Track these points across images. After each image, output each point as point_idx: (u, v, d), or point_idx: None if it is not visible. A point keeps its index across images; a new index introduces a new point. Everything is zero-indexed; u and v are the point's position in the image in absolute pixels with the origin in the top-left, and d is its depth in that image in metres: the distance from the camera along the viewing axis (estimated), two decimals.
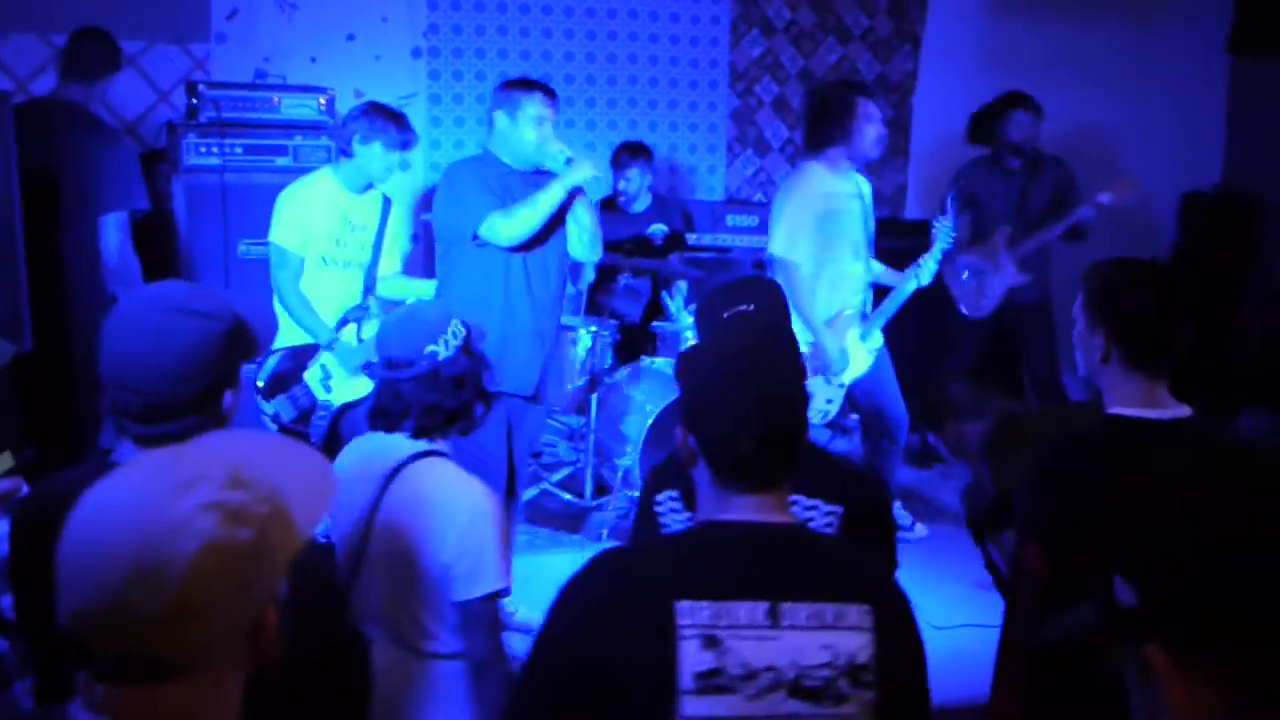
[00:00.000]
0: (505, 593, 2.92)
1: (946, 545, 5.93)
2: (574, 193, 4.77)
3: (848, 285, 5.59)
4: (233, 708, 1.47)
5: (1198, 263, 7.52)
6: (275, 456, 1.62)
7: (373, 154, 5.11)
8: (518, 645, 4.92)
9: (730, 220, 7.72)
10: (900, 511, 5.94)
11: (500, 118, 4.81)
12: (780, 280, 5.14)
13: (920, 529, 6.13)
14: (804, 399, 2.21)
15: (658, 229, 7.01)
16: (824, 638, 2.02)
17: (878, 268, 5.77)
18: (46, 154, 5.22)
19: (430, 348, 3.12)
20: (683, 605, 2.00)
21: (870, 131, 5.50)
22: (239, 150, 5.46)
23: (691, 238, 7.40)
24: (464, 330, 3.20)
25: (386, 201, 5.38)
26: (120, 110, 6.53)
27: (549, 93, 4.85)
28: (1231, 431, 4.17)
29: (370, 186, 5.27)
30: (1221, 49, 7.65)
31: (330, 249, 5.18)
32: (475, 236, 4.70)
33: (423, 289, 5.43)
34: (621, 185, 6.96)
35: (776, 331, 2.40)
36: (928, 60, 8.32)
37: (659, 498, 2.96)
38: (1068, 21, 7.92)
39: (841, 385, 5.56)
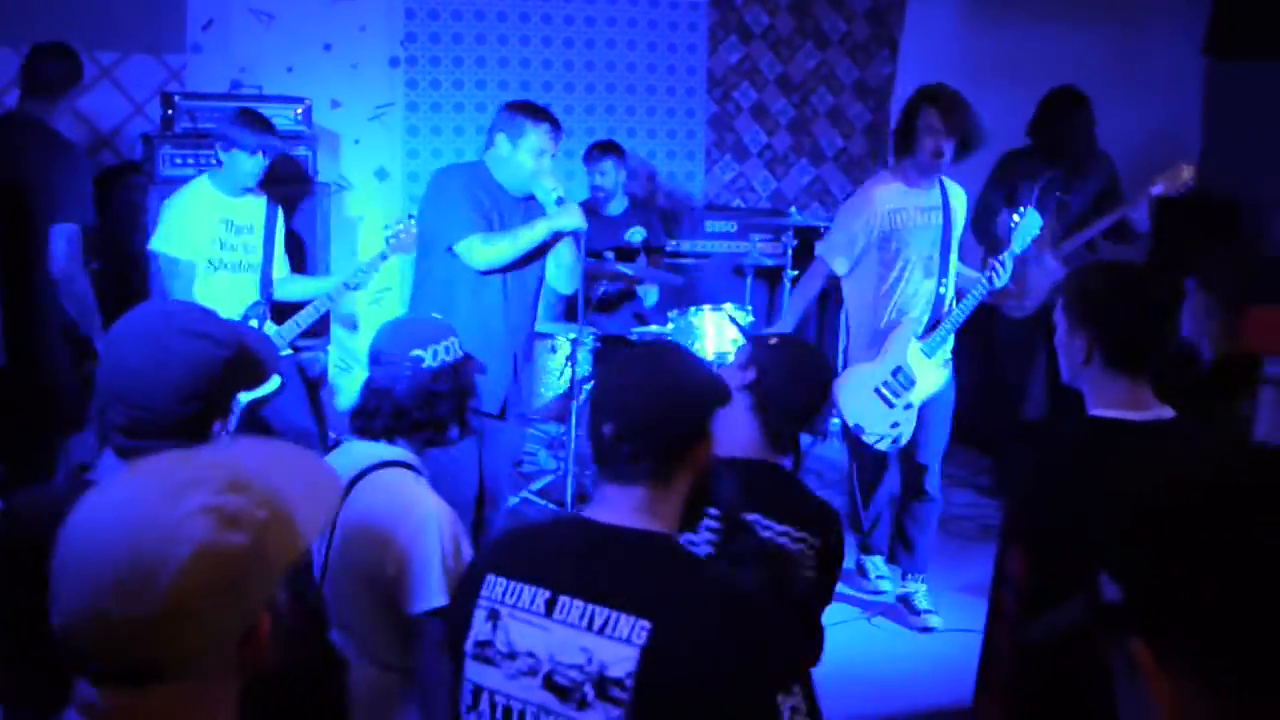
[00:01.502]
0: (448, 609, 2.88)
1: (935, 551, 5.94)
2: (557, 236, 4.76)
3: (917, 305, 5.19)
4: (227, 715, 1.47)
5: (1173, 265, 7.54)
6: (279, 462, 1.62)
7: (236, 161, 5.35)
8: None
9: (709, 226, 7.71)
10: (922, 594, 5.45)
11: (502, 140, 4.80)
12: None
13: (935, 620, 5.34)
14: (685, 414, 2.17)
15: (635, 233, 7.01)
16: (586, 640, 2.01)
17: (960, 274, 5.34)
18: (10, 169, 5.18)
19: (416, 352, 3.13)
20: (490, 578, 2.15)
21: (928, 144, 5.04)
22: (215, 161, 5.45)
23: (671, 244, 7.40)
24: (460, 353, 3.20)
25: (271, 204, 5.54)
26: (95, 121, 6.50)
27: (556, 125, 4.84)
28: (1209, 431, 4.17)
29: (248, 190, 5.46)
30: (1198, 51, 7.68)
31: (215, 252, 5.37)
32: (449, 249, 4.69)
33: (322, 285, 5.53)
34: (598, 180, 6.95)
35: (676, 352, 2.38)
36: (906, 65, 8.32)
37: None
38: (1044, 25, 7.94)
39: (909, 406, 5.13)
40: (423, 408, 3.11)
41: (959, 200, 5.29)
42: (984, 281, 5.08)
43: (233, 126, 5.38)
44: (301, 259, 6.06)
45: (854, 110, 8.31)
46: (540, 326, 5.72)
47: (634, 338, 6.62)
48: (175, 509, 1.37)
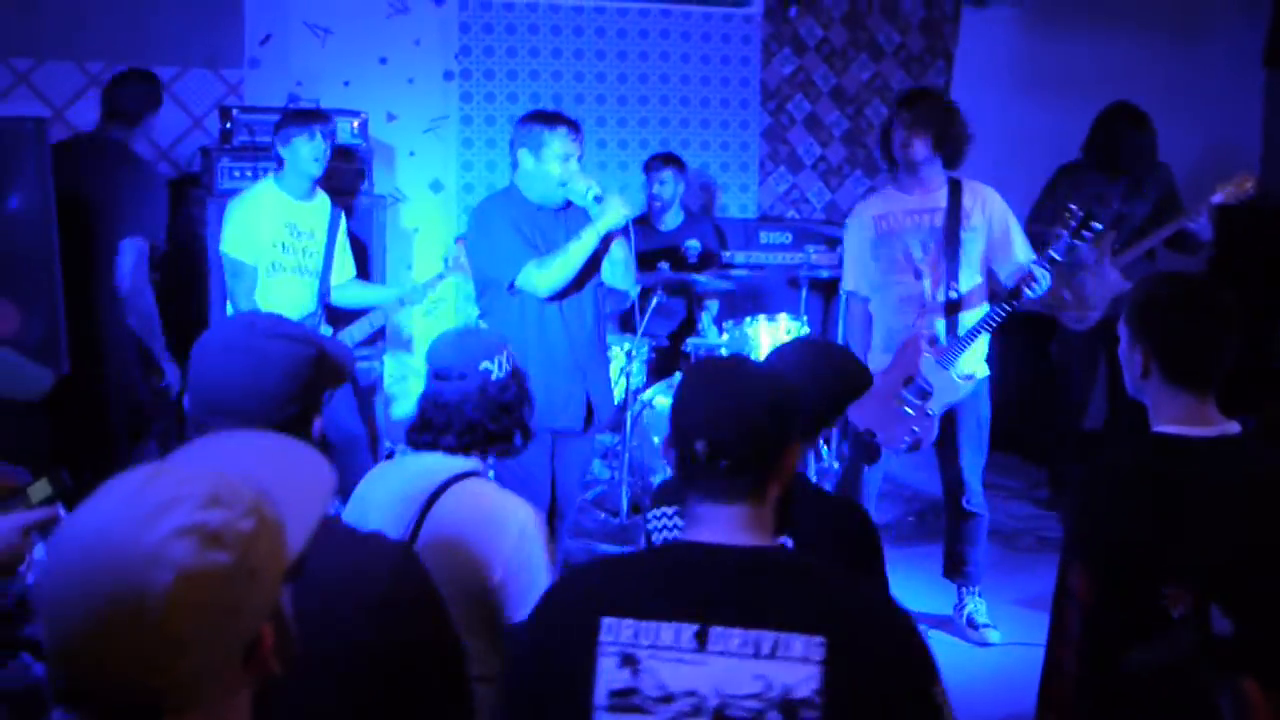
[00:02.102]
0: None
1: (990, 562, 5.89)
2: (608, 237, 4.67)
3: (912, 306, 5.15)
4: None
5: (1235, 275, 7.45)
6: (266, 457, 1.57)
7: (297, 151, 5.36)
8: None
9: (763, 238, 7.70)
10: (977, 606, 5.37)
11: (524, 156, 4.72)
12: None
13: (994, 634, 5.27)
14: (776, 422, 2.13)
15: (692, 245, 7.01)
16: (758, 667, 1.95)
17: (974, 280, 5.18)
18: (84, 184, 5.28)
19: (485, 364, 3.12)
20: (608, 621, 2.00)
21: (898, 141, 5.09)
22: (276, 166, 5.51)
23: (725, 255, 7.39)
24: (514, 362, 3.20)
25: (335, 209, 5.57)
26: (155, 136, 6.57)
27: (573, 126, 4.71)
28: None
29: (314, 190, 5.48)
30: (1258, 62, 7.60)
31: (278, 255, 5.39)
32: (511, 285, 4.67)
33: (380, 294, 5.55)
34: (656, 189, 6.95)
35: (756, 363, 2.36)
36: (960, 76, 8.28)
37: (654, 513, 2.97)
38: (1101, 36, 7.89)
39: (930, 414, 5.06)
40: (495, 419, 3.10)
41: (979, 199, 5.13)
42: (1004, 302, 4.92)
43: (284, 123, 5.43)
44: (363, 266, 6.07)
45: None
46: None
47: (689, 349, 6.62)
48: (153, 532, 1.30)
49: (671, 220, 7.05)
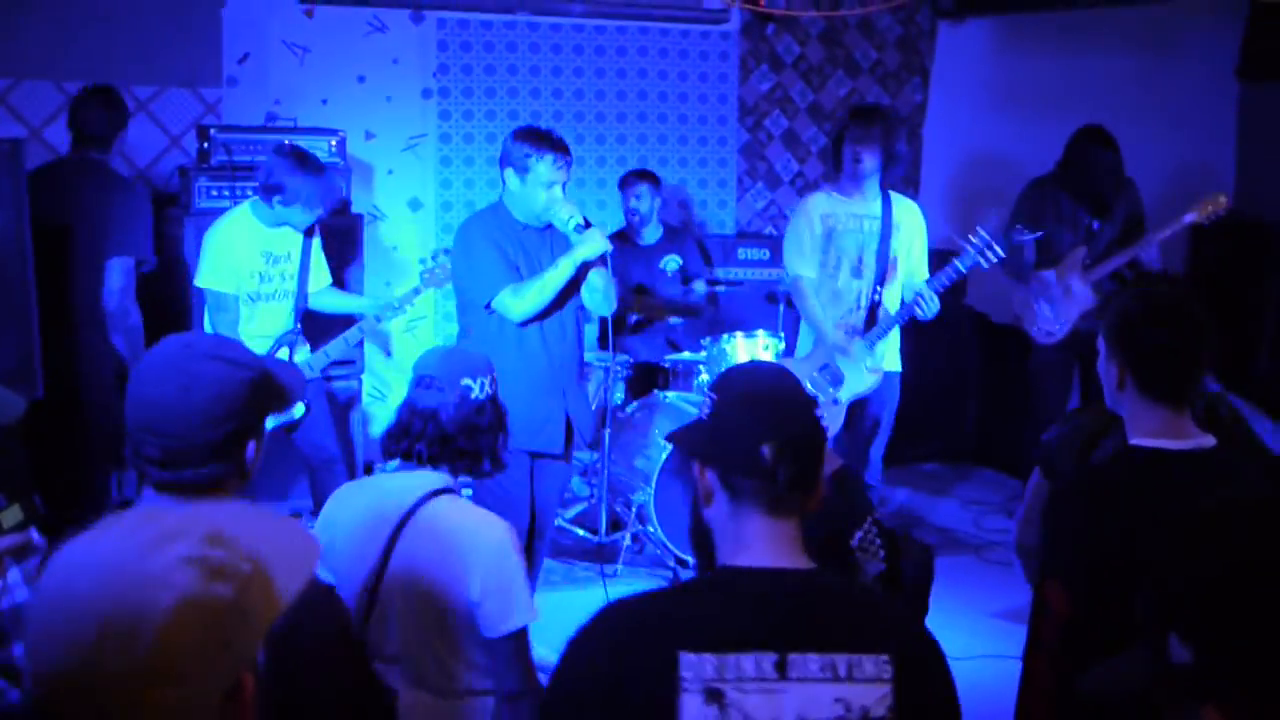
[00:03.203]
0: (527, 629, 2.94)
1: (964, 576, 5.90)
2: (585, 265, 4.70)
3: (845, 301, 5.73)
4: None
5: (1209, 290, 7.49)
6: (256, 524, 1.57)
7: (293, 213, 5.31)
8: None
9: (741, 254, 7.72)
10: None
11: (510, 176, 4.72)
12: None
13: None
14: (821, 428, 2.14)
15: (670, 262, 7.01)
16: (837, 690, 1.96)
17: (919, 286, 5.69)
18: (63, 206, 5.26)
19: (466, 381, 3.16)
20: (687, 657, 1.94)
21: (848, 154, 5.63)
22: (250, 194, 5.49)
23: (707, 272, 7.39)
24: (494, 390, 3.23)
25: (305, 235, 5.51)
26: (132, 155, 6.56)
27: (562, 151, 4.70)
28: (1253, 461, 4.12)
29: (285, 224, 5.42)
30: (1231, 76, 7.64)
31: (255, 286, 5.36)
32: (488, 306, 4.69)
33: (357, 303, 5.58)
34: (633, 204, 6.97)
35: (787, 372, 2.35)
36: (936, 92, 8.32)
37: None
38: (1075, 51, 7.92)
39: (836, 401, 5.59)
40: (466, 437, 3.12)
41: (907, 215, 5.80)
42: (909, 310, 5.55)
43: (296, 179, 5.24)
44: (341, 284, 6.06)
45: (841, 117, 8.29)
46: None
47: (667, 365, 6.62)
48: (158, 559, 1.31)
49: (650, 235, 7.07)
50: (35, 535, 2.38)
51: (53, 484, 5.19)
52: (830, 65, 8.17)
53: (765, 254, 7.70)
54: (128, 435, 2.20)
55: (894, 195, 5.79)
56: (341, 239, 6.31)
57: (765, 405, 2.09)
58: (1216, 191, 6.13)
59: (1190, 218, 6.03)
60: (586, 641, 2.04)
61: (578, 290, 4.80)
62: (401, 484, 3.07)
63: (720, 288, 7.40)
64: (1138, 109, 7.40)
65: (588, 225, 4.67)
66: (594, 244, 4.64)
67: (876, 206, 5.73)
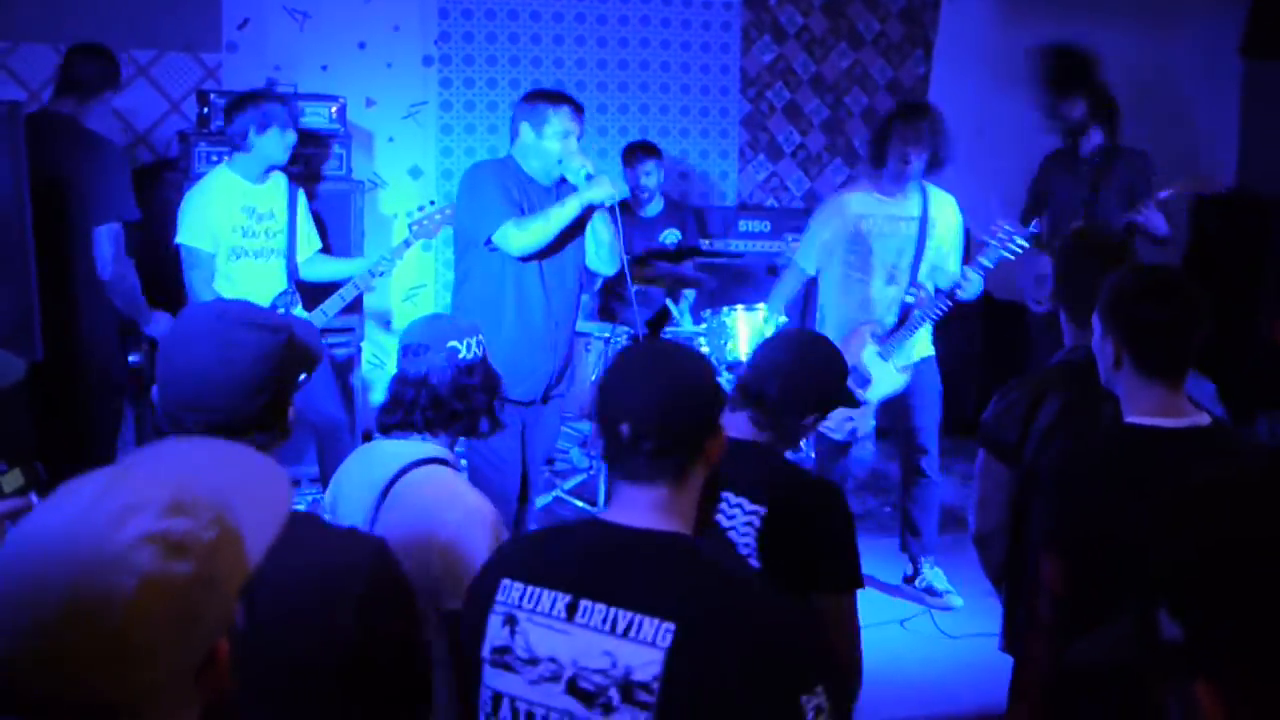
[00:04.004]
0: None
1: (957, 555, 5.90)
2: (590, 209, 4.73)
3: (878, 309, 5.45)
4: None
5: (1211, 266, 7.49)
6: (225, 472, 1.55)
7: (270, 140, 5.31)
8: None
9: (742, 226, 7.71)
10: (936, 575, 5.58)
11: (525, 129, 4.78)
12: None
13: (955, 599, 5.49)
14: (698, 407, 2.15)
15: (670, 235, 7.01)
16: (610, 643, 1.98)
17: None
18: (43, 166, 5.20)
19: (453, 343, 3.15)
20: (504, 582, 2.12)
21: (896, 153, 5.35)
22: (243, 148, 5.47)
23: (704, 244, 7.38)
24: (484, 349, 3.21)
25: (292, 186, 5.52)
26: (132, 120, 6.55)
27: (577, 107, 4.81)
28: (1248, 439, 4.13)
29: (269, 172, 5.42)
30: (1235, 52, 7.63)
31: (238, 240, 5.34)
32: (488, 242, 4.70)
33: (349, 266, 5.54)
34: (643, 180, 6.96)
35: (680, 348, 2.35)
36: (940, 65, 8.29)
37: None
38: (1079, 25, 7.88)
39: (864, 402, 5.33)
40: (460, 398, 3.11)
41: (943, 210, 5.54)
42: (944, 297, 5.34)
43: (262, 107, 5.32)
44: (343, 251, 6.05)
45: (888, 110, 8.28)
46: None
47: (667, 337, 6.62)
48: (118, 537, 1.27)
49: (652, 208, 7.06)
50: (36, 500, 2.38)
51: (54, 446, 5.18)
52: (833, 37, 8.13)
53: (766, 226, 7.68)
54: (161, 407, 2.16)
55: (930, 189, 5.53)
56: (341, 206, 6.29)
57: (628, 388, 2.15)
58: (1197, 173, 6.11)
59: (1165, 194, 6.01)
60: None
61: (581, 235, 4.82)
62: (394, 451, 3.06)
63: (719, 260, 7.37)
64: (1141, 84, 7.39)
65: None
66: (604, 189, 4.67)
67: (916, 206, 5.47)
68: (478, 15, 7.41)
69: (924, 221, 5.44)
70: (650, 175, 6.96)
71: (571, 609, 2.03)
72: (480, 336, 3.23)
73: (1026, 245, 5.32)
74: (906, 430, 5.59)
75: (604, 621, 2.00)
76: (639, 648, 1.96)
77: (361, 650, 2.09)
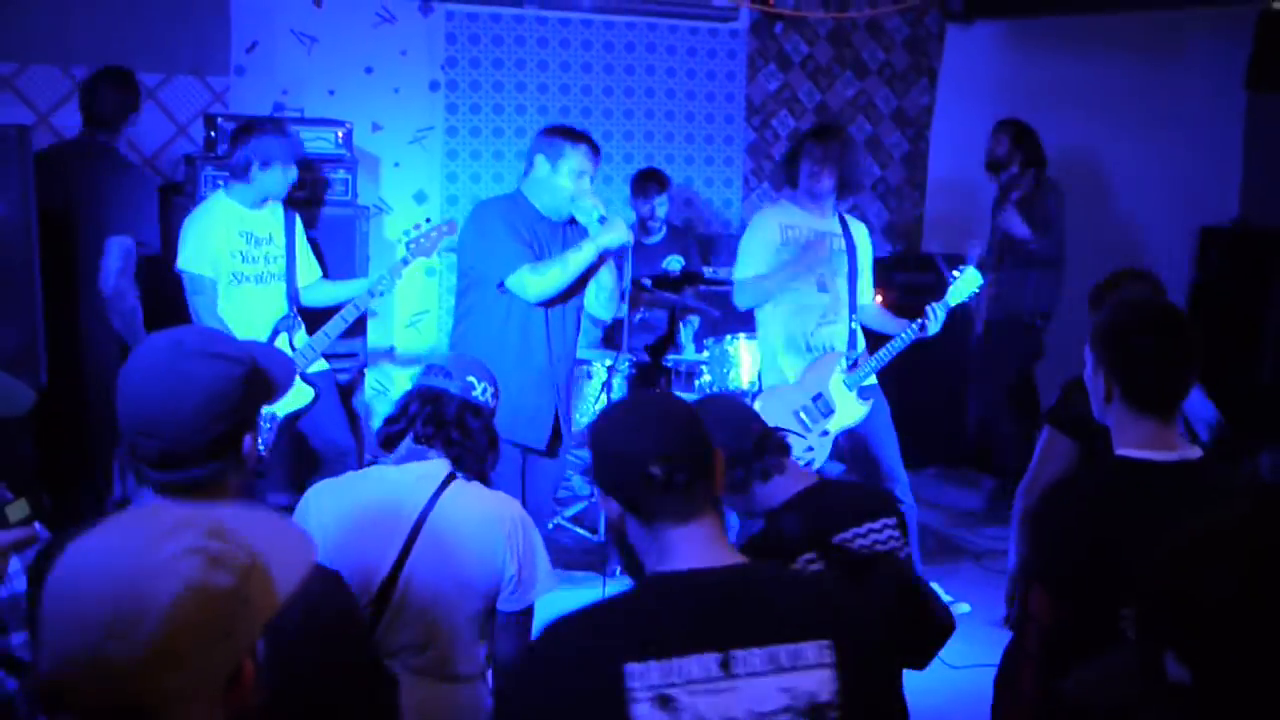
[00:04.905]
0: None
1: (963, 583, 5.90)
2: (604, 255, 4.74)
3: (811, 315, 5.45)
4: None
5: (1215, 298, 7.49)
6: (253, 526, 1.60)
7: (272, 176, 5.34)
8: None
9: None
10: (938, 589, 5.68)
11: (541, 162, 4.79)
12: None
13: (962, 606, 5.60)
14: (702, 427, 2.19)
15: (673, 262, 7.02)
16: (782, 681, 1.99)
17: (872, 312, 5.62)
18: (70, 192, 5.26)
19: (472, 379, 3.25)
20: (632, 668, 1.96)
21: (805, 171, 5.42)
22: (221, 184, 5.51)
23: (707, 270, 7.39)
24: (494, 403, 3.31)
25: (289, 212, 5.54)
26: (139, 142, 6.58)
27: (594, 147, 4.83)
28: (1243, 474, 4.13)
29: (266, 200, 5.43)
30: (1239, 84, 7.63)
31: (238, 266, 5.36)
32: (501, 285, 4.69)
33: (350, 289, 5.56)
34: (656, 211, 6.99)
35: (659, 392, 2.45)
36: (944, 94, 8.32)
37: (863, 529, 2.99)
38: (1084, 56, 7.92)
39: (825, 433, 5.37)
40: (458, 428, 3.18)
41: (862, 235, 5.62)
42: (914, 327, 5.35)
43: (265, 141, 5.34)
44: (347, 276, 6.07)
45: (892, 139, 8.32)
46: (578, 353, 5.73)
47: (669, 364, 6.63)
48: (162, 550, 1.38)
49: (655, 236, 7.08)
50: (40, 530, 2.39)
51: (57, 471, 5.20)
52: (838, 66, 8.17)
53: None
54: (122, 437, 2.17)
55: (847, 218, 5.61)
56: (347, 231, 6.31)
57: (640, 427, 2.16)
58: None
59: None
60: (528, 672, 2.10)
61: (587, 284, 4.83)
62: (409, 478, 3.09)
63: (723, 288, 7.38)
64: (1144, 116, 7.41)
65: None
66: (618, 234, 4.69)
67: (835, 223, 5.54)
68: (485, 41, 7.44)
69: (849, 239, 5.53)
70: (661, 205, 6.99)
71: (725, 665, 1.99)
72: (496, 389, 3.32)
73: (980, 280, 5.45)
74: (869, 461, 5.56)
75: (766, 663, 2.00)
76: (812, 672, 2.00)
77: (314, 686, 2.10)
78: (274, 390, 2.28)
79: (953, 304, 5.40)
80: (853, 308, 5.50)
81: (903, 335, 5.36)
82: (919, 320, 5.34)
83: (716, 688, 1.98)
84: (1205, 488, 2.57)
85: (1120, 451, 2.64)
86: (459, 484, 3.08)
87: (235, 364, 2.16)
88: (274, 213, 5.48)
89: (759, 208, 5.72)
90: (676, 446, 2.12)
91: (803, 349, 5.44)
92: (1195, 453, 2.65)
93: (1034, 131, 6.87)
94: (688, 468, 2.10)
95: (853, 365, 5.43)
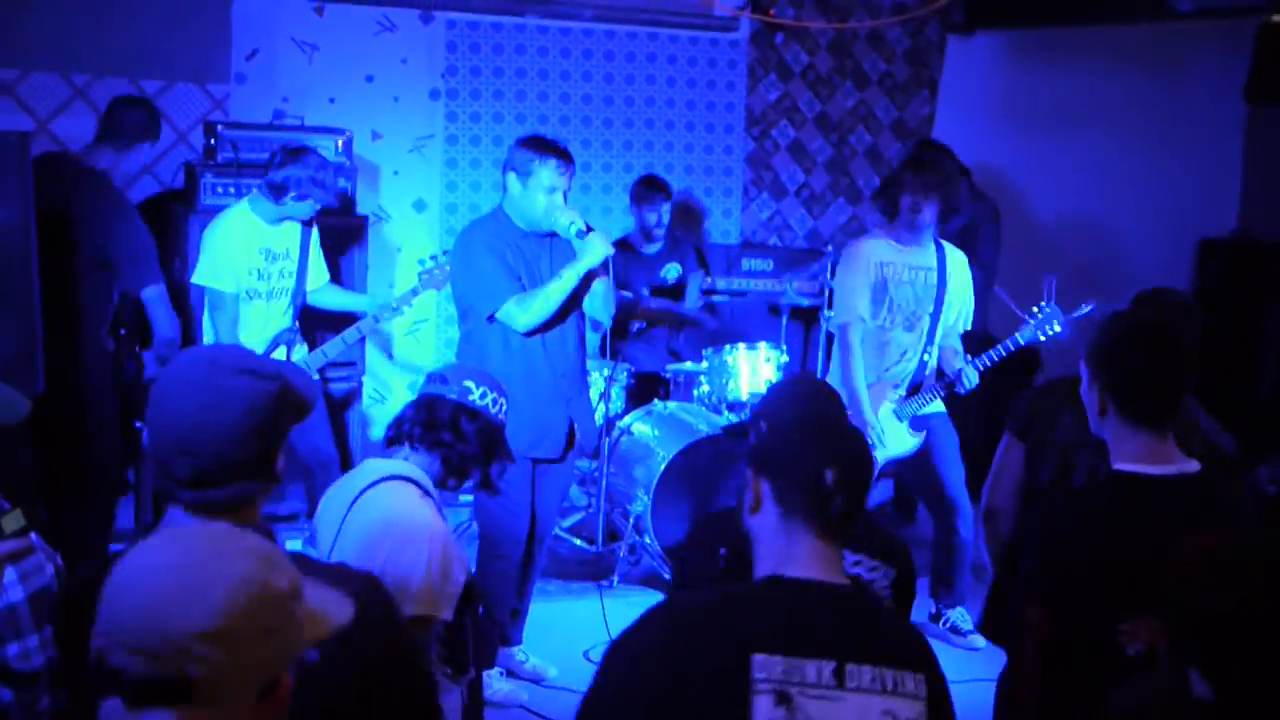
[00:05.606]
0: (432, 621, 2.96)
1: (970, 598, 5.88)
2: (589, 275, 4.70)
3: (891, 355, 5.45)
4: None
5: (1215, 310, 7.49)
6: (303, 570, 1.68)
7: (303, 208, 5.37)
8: (524, 696, 4.88)
9: (745, 264, 7.72)
10: (961, 615, 5.59)
11: (513, 180, 4.73)
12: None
13: (977, 640, 5.42)
14: (872, 463, 2.24)
15: (671, 270, 7.02)
16: (886, 702, 2.02)
17: (942, 345, 5.55)
18: (63, 205, 5.21)
19: (469, 383, 3.33)
20: (759, 658, 1.98)
21: (906, 204, 5.34)
22: (253, 190, 5.49)
23: (706, 281, 7.39)
24: (501, 417, 3.35)
25: (305, 227, 5.54)
26: (134, 168, 6.56)
27: (566, 158, 4.72)
28: (1240, 487, 4.13)
29: (286, 220, 5.45)
30: (1239, 97, 7.64)
31: (253, 283, 5.38)
32: (491, 317, 4.69)
33: (356, 300, 5.60)
34: (663, 219, 6.99)
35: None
36: (945, 105, 8.32)
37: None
38: (1083, 68, 7.92)
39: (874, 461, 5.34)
40: (451, 430, 3.26)
41: (957, 266, 5.51)
42: (945, 386, 5.40)
43: (312, 181, 5.32)
44: (335, 274, 6.07)
45: (892, 150, 8.32)
46: None
47: (668, 375, 6.62)
48: (223, 547, 1.52)
49: (653, 246, 7.07)
50: (37, 540, 2.38)
51: (55, 480, 5.18)
52: (839, 76, 8.17)
53: (769, 265, 7.70)
54: (153, 454, 2.16)
55: (945, 245, 5.51)
56: (346, 239, 6.30)
57: (829, 432, 2.19)
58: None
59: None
60: (646, 639, 2.07)
61: (581, 299, 4.80)
62: (374, 468, 3.22)
63: (722, 298, 7.39)
64: (1144, 128, 7.41)
65: (589, 230, 4.67)
66: (597, 251, 4.64)
67: (932, 256, 5.46)
68: (485, 50, 7.44)
69: (941, 274, 5.43)
70: (664, 214, 6.99)
71: (839, 675, 2.01)
72: (502, 397, 3.37)
73: (1063, 333, 5.26)
74: (933, 488, 5.54)
75: (873, 681, 2.02)
76: (910, 702, 2.04)
77: (362, 684, 2.10)
78: (304, 409, 2.27)
79: (1024, 341, 5.30)
80: (930, 339, 5.45)
81: (967, 373, 5.33)
82: (977, 359, 5.35)
83: (827, 695, 2.00)
84: (1203, 502, 2.57)
85: (1117, 466, 2.65)
86: (393, 484, 3.13)
87: (270, 380, 2.16)
88: (293, 227, 5.50)
89: (851, 242, 5.56)
90: (853, 467, 2.16)
91: (874, 381, 5.44)
92: (1193, 466, 2.65)
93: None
94: (853, 492, 2.14)
95: (904, 399, 5.43)
